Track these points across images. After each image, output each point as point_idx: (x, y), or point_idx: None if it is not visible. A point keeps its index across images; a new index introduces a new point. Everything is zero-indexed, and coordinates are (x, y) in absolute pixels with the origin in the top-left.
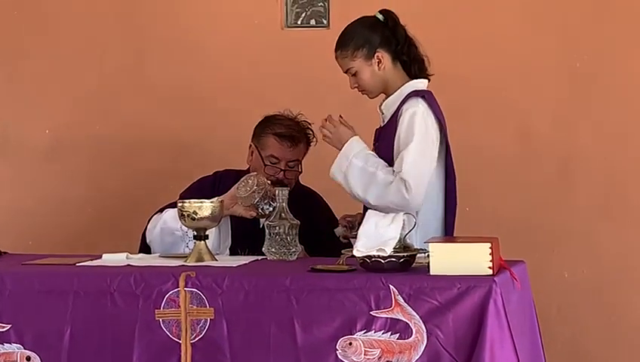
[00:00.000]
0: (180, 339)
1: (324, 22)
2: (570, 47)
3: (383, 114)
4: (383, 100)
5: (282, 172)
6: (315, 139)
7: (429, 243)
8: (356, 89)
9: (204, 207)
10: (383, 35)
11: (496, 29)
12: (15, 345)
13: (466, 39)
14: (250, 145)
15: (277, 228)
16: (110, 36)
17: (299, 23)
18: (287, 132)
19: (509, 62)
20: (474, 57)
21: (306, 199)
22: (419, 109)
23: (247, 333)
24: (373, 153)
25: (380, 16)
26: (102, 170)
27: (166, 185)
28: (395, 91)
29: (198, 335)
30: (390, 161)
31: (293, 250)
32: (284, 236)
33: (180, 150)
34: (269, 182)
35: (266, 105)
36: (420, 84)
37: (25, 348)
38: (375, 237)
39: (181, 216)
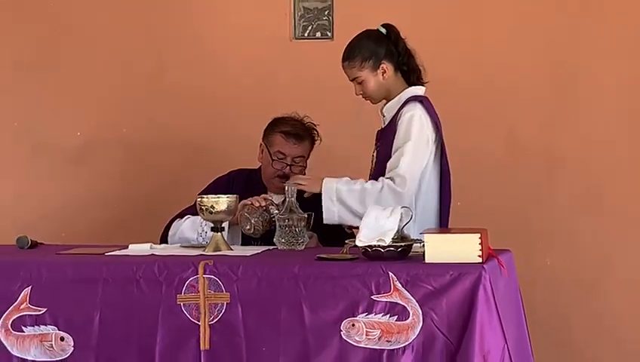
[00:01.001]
0: (199, 321)
1: (329, 34)
2: (554, 56)
3: (383, 117)
4: (384, 105)
5: (288, 167)
6: (319, 138)
7: (425, 234)
8: (361, 95)
9: (221, 202)
10: (387, 47)
11: (486, 39)
12: (50, 326)
13: (459, 49)
14: (261, 145)
15: (287, 220)
16: (135, 47)
17: (306, 35)
18: (293, 130)
19: (498, 70)
20: (466, 66)
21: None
22: (416, 112)
23: (259, 316)
24: (346, 178)
25: (383, 30)
26: (127, 169)
27: (184, 183)
28: (396, 97)
29: (216, 318)
30: (389, 155)
31: (301, 240)
32: (293, 228)
33: (197, 151)
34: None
35: (277, 109)
36: (419, 90)
37: (59, 330)
38: (375, 229)
39: (200, 210)
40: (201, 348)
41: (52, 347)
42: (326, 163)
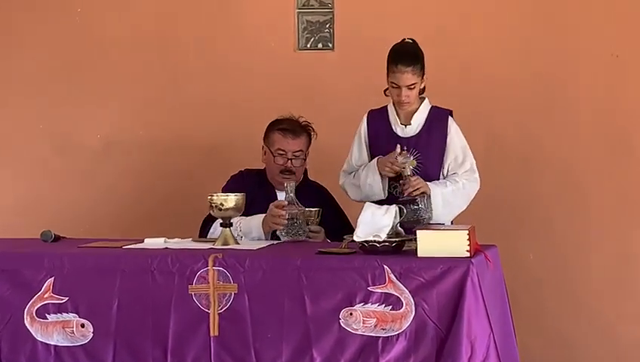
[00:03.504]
0: (209, 310)
1: (330, 45)
2: (532, 61)
3: (410, 125)
4: (412, 114)
5: (289, 160)
6: (315, 134)
7: (417, 231)
8: (406, 98)
9: (229, 199)
10: None
11: (474, 48)
12: (72, 314)
13: (450, 59)
14: (263, 146)
15: (287, 214)
16: (152, 56)
17: (308, 46)
18: (289, 126)
19: (479, 75)
20: (451, 70)
21: (316, 192)
22: (455, 123)
23: (265, 305)
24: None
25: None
26: (144, 169)
27: (196, 182)
28: (419, 105)
29: (224, 307)
30: (437, 160)
31: (301, 232)
32: (294, 221)
33: (209, 152)
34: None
35: (281, 113)
36: (429, 101)
37: (80, 317)
38: (372, 225)
39: (210, 207)
40: (211, 334)
41: (73, 333)
42: (327, 168)
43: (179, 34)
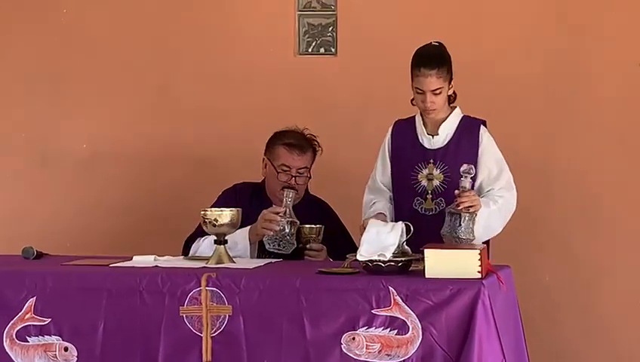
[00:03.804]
0: (201, 333)
1: (333, 50)
2: (549, 71)
3: (437, 135)
4: (439, 124)
5: (293, 178)
6: (320, 149)
7: (425, 249)
8: (431, 105)
9: (224, 215)
10: None
11: (485, 54)
12: (54, 336)
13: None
14: (264, 159)
15: (281, 222)
16: (142, 61)
17: (309, 50)
18: (295, 142)
19: (495, 86)
20: (465, 82)
21: (318, 208)
22: (488, 134)
23: (261, 328)
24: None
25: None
26: (133, 181)
27: (188, 195)
28: (448, 114)
29: (218, 330)
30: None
31: (289, 246)
32: (284, 232)
33: (202, 163)
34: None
35: (280, 123)
36: (460, 110)
37: (63, 340)
38: (376, 243)
39: (203, 222)
40: (204, 359)
41: (56, 357)
42: (328, 174)
43: (171, 37)
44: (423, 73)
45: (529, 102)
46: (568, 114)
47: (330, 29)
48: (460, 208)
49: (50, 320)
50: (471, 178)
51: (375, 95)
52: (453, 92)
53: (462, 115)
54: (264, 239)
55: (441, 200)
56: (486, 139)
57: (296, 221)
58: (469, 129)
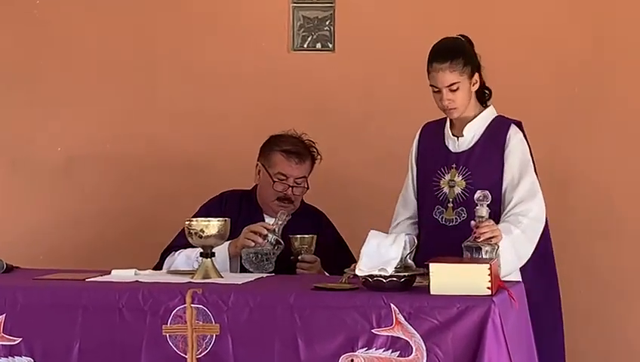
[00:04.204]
0: (186, 354)
1: (330, 45)
2: (568, 76)
3: (462, 136)
4: (464, 124)
5: (290, 188)
6: (319, 157)
7: (430, 264)
8: (447, 104)
9: (211, 226)
10: (478, 58)
11: (498, 58)
12: (26, 358)
13: None
14: (257, 165)
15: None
16: (123, 59)
17: (305, 46)
18: (294, 148)
19: (510, 91)
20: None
21: (312, 218)
22: (521, 136)
23: (251, 349)
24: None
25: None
26: (112, 189)
27: (175, 203)
28: (476, 115)
29: (204, 351)
30: (493, 182)
31: (268, 266)
32: (264, 251)
33: (188, 169)
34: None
35: (274, 125)
36: (495, 110)
37: (35, 361)
38: (377, 257)
39: (188, 233)
40: None
41: None
42: (326, 178)
43: (155, 32)
44: (435, 68)
45: (547, 112)
46: (588, 124)
47: (328, 22)
48: (480, 240)
49: (20, 339)
50: (487, 205)
51: (376, 94)
52: (487, 88)
53: (495, 115)
54: (243, 257)
55: (462, 210)
56: (515, 141)
57: (282, 243)
58: (498, 129)
